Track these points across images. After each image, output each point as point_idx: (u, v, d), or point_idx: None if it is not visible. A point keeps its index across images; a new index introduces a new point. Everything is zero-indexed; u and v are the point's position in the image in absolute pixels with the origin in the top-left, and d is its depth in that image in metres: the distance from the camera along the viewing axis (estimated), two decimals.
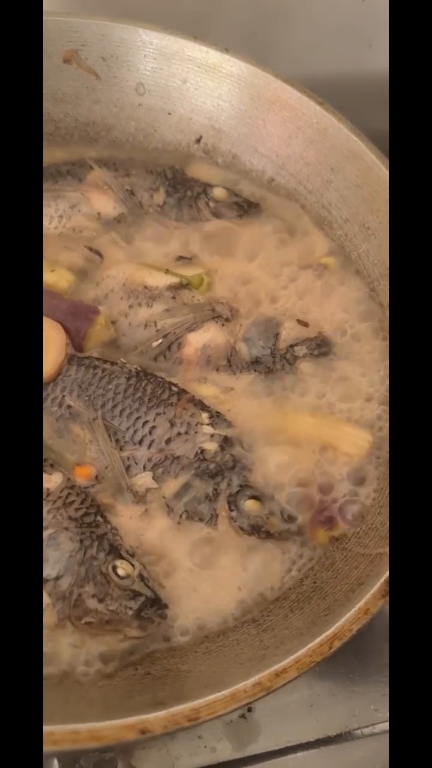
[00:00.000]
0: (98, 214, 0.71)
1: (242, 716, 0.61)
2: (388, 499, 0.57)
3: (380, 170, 0.68)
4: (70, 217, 0.71)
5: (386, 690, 0.62)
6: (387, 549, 0.53)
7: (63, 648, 0.51)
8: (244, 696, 0.45)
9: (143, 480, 0.58)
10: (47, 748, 0.42)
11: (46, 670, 0.50)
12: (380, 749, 0.61)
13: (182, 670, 0.50)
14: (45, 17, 0.71)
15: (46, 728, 0.42)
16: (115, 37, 0.73)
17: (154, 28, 0.73)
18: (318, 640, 0.47)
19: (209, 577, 0.55)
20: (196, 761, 0.59)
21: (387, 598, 0.48)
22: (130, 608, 0.52)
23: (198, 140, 0.77)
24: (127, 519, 0.57)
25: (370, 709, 0.62)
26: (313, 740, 0.60)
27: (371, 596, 0.49)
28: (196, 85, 0.75)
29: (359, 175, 0.69)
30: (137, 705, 0.46)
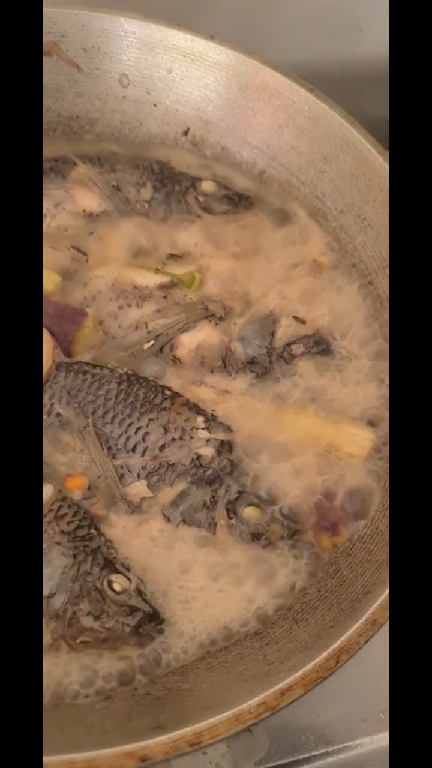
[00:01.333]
0: (84, 211, 0.69)
1: (248, 730, 0.59)
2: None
3: (375, 159, 0.65)
4: (55, 215, 0.68)
5: None
6: None
7: (58, 669, 0.49)
8: (248, 717, 0.43)
9: (138, 489, 0.56)
10: None
11: (44, 694, 0.48)
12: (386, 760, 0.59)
13: (183, 688, 0.48)
14: None
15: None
16: (96, 27, 0.70)
17: (136, 16, 0.70)
18: (324, 654, 0.45)
19: (209, 588, 0.53)
20: None
21: None
22: (128, 625, 0.50)
23: (185, 132, 0.74)
24: (121, 530, 0.55)
25: (378, 719, 0.60)
26: (321, 752, 0.58)
27: (378, 606, 0.47)
28: (182, 75, 0.72)
29: (353, 164, 0.67)
30: (137, 729, 0.44)
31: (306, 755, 0.58)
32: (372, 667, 0.60)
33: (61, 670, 0.49)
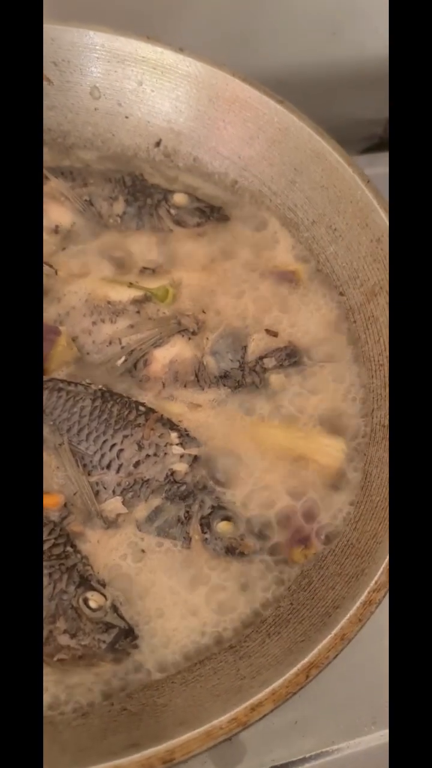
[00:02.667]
0: (56, 226, 0.69)
1: (227, 738, 0.60)
2: (362, 514, 0.56)
3: (345, 170, 0.66)
4: None
5: (372, 704, 0.61)
6: (363, 567, 0.52)
7: None
8: (219, 733, 0.44)
9: (113, 505, 0.57)
10: None
11: None
12: (367, 763, 0.60)
13: (158, 704, 0.49)
14: None
15: None
16: (64, 41, 0.70)
17: (105, 29, 0.70)
18: (294, 670, 0.46)
19: (184, 602, 0.54)
20: None
21: (363, 623, 0.47)
22: (104, 641, 0.51)
23: (157, 143, 0.74)
24: (97, 545, 0.56)
25: (354, 724, 0.61)
26: (299, 758, 0.60)
27: (347, 621, 0.48)
28: (153, 87, 0.72)
29: (324, 175, 0.67)
30: (111, 747, 0.45)
31: (285, 761, 0.59)
32: (347, 674, 0.61)
33: None
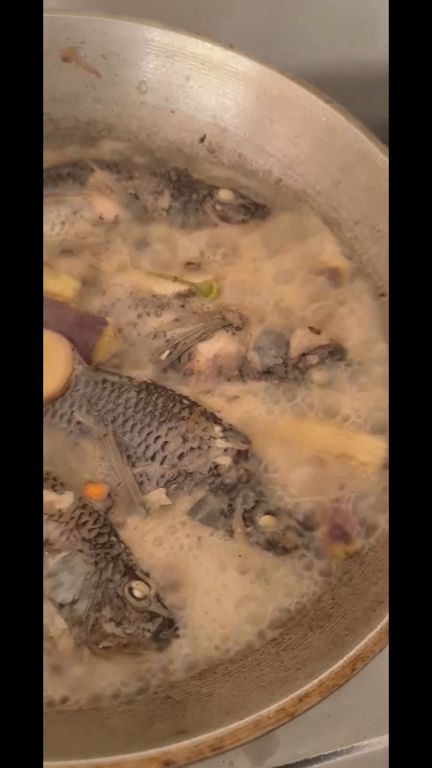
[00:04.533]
0: (101, 218, 0.69)
1: (274, 728, 0.61)
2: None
3: None
4: (73, 223, 0.69)
5: None
6: None
7: (81, 674, 0.50)
8: (267, 723, 0.45)
9: (157, 497, 0.57)
10: None
11: (66, 698, 0.49)
12: None
13: (202, 693, 0.50)
14: (44, 14, 0.68)
15: (69, 762, 0.42)
16: (115, 34, 0.71)
17: (156, 24, 0.70)
18: (340, 662, 0.47)
19: (224, 593, 0.55)
20: None
21: None
22: (148, 630, 0.52)
23: (202, 139, 0.75)
24: (140, 537, 0.56)
25: (386, 719, 0.61)
26: (330, 752, 0.60)
27: None
28: (200, 83, 0.73)
29: (370, 176, 0.67)
30: (159, 733, 0.45)
31: (317, 754, 0.60)
32: (382, 668, 0.62)
33: (84, 675, 0.51)
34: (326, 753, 0.60)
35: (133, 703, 0.50)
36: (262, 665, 0.51)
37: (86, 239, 0.69)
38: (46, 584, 0.52)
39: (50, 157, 0.73)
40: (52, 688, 0.50)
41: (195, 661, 0.52)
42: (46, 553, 0.53)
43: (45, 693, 0.50)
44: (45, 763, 0.41)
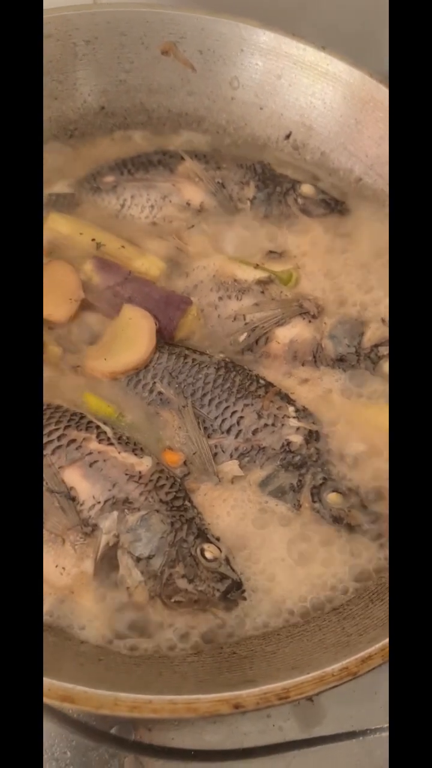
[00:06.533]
0: (188, 204, 0.73)
1: (309, 699, 0.63)
2: None
3: None
4: (161, 207, 0.73)
5: None
6: None
7: (153, 623, 0.54)
8: (331, 679, 0.47)
9: (230, 467, 0.60)
10: (148, 715, 0.45)
11: (140, 644, 0.53)
12: None
13: (267, 651, 0.53)
14: (148, 9, 0.73)
15: (145, 696, 0.45)
16: (213, 32, 0.74)
17: (254, 23, 0.74)
18: None
19: (289, 563, 0.58)
20: (264, 739, 0.61)
21: None
22: (218, 590, 0.55)
23: (287, 136, 0.78)
24: (212, 503, 0.59)
25: None
26: (377, 727, 0.63)
27: None
28: (290, 82, 0.76)
29: None
30: (228, 681, 0.48)
31: (363, 728, 0.62)
32: None
33: (156, 625, 0.54)
34: (372, 728, 0.63)
35: (200, 654, 0.53)
36: (323, 630, 0.53)
37: (173, 223, 0.73)
38: (126, 538, 0.55)
39: (142, 144, 0.77)
40: (122, 635, 0.53)
41: (259, 623, 0.55)
42: (126, 511, 0.56)
43: (116, 640, 0.53)
44: (123, 695, 0.45)
